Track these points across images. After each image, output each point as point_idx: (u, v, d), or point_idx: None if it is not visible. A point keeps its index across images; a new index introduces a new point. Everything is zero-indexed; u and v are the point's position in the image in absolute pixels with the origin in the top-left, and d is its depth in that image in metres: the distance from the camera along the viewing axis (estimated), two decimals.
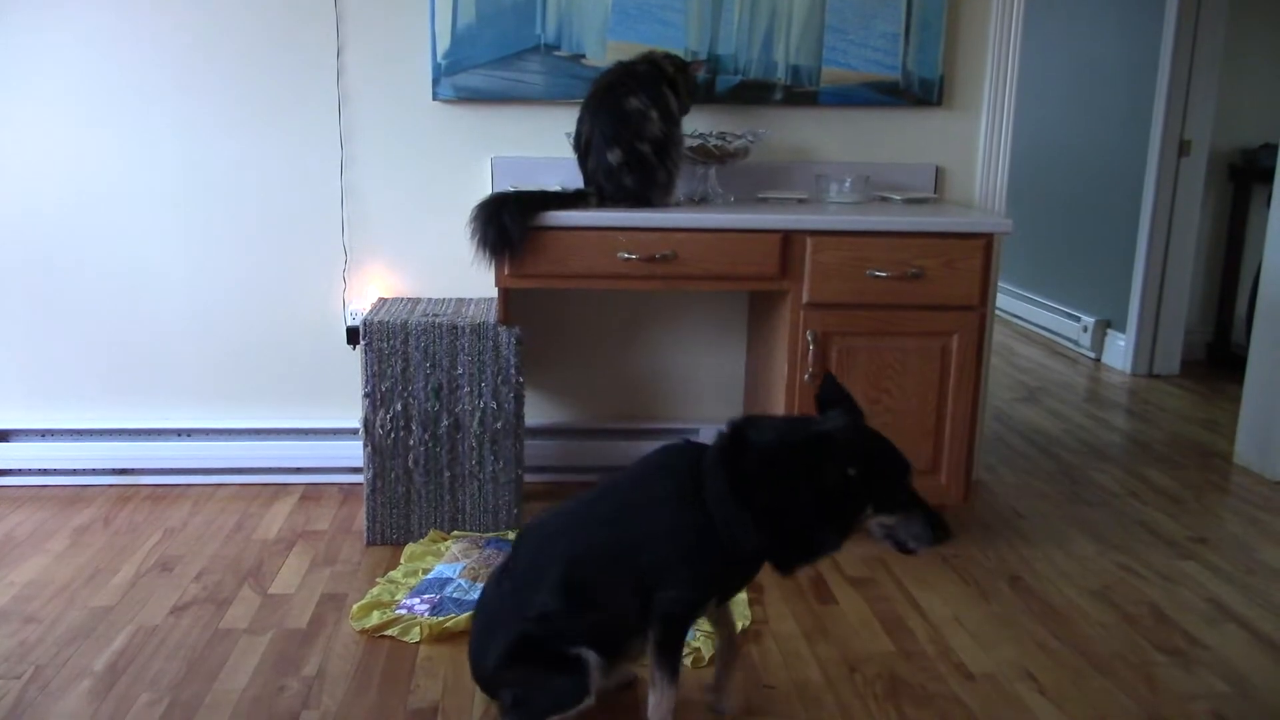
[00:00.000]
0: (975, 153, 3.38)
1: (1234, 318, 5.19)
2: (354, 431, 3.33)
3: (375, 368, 2.89)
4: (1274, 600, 2.77)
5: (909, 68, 3.28)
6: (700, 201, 3.14)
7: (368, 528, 2.98)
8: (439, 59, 3.19)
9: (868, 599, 2.71)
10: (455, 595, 2.60)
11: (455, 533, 2.99)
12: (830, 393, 2.01)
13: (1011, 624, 2.60)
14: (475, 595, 2.49)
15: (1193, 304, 5.20)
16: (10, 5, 3.13)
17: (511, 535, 2.94)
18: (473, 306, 3.13)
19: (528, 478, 3.13)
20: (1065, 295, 5.80)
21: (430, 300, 3.25)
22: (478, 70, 3.20)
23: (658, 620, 1.95)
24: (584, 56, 3.20)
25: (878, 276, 2.85)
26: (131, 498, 3.29)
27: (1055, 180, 5.90)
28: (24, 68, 3.17)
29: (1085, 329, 5.45)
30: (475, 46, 3.18)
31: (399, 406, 2.91)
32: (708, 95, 3.22)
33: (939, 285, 2.86)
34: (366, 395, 2.91)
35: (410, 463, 2.95)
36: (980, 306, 2.90)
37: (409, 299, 3.26)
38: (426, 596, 2.61)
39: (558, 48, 3.20)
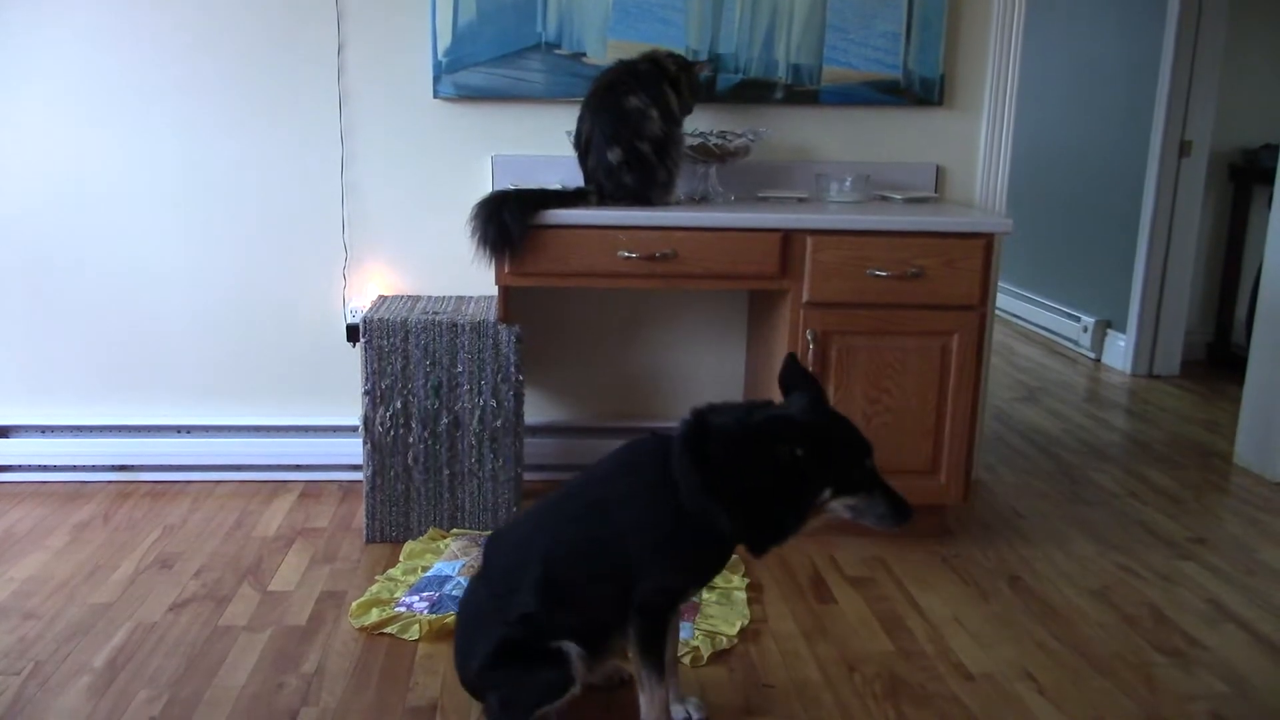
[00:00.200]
0: (976, 152, 3.38)
1: (1234, 318, 5.19)
2: (354, 429, 3.33)
3: (375, 365, 2.89)
4: (1273, 601, 2.77)
5: (910, 67, 3.28)
6: (701, 200, 3.14)
7: (367, 525, 2.98)
8: (440, 57, 3.19)
9: (867, 599, 2.71)
10: (454, 593, 2.60)
11: (455, 530, 2.99)
12: (791, 375, 2.00)
13: (1011, 624, 2.60)
14: None
15: (1193, 304, 5.20)
16: (10, 3, 3.13)
17: None
18: (473, 304, 3.13)
19: (527, 476, 3.12)
20: (1065, 295, 5.80)
21: (430, 298, 3.25)
22: (478, 68, 3.20)
23: (636, 613, 1.95)
24: (584, 55, 3.20)
25: (878, 276, 2.84)
26: (131, 494, 3.29)
27: (1056, 180, 5.90)
28: (25, 66, 3.17)
29: (1085, 329, 5.44)
30: (476, 44, 3.18)
31: (399, 404, 2.91)
32: (708, 94, 3.21)
33: (939, 285, 2.86)
34: (366, 393, 2.91)
35: (410, 460, 2.95)
36: (980, 306, 2.90)
37: (409, 297, 3.26)
38: (426, 594, 2.61)
39: (558, 46, 3.20)
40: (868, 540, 3.04)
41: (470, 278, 3.23)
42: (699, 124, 3.15)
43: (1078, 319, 5.55)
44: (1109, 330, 5.33)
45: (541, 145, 3.27)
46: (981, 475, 3.61)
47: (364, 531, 3.00)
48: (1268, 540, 3.16)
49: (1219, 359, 5.24)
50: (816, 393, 1.96)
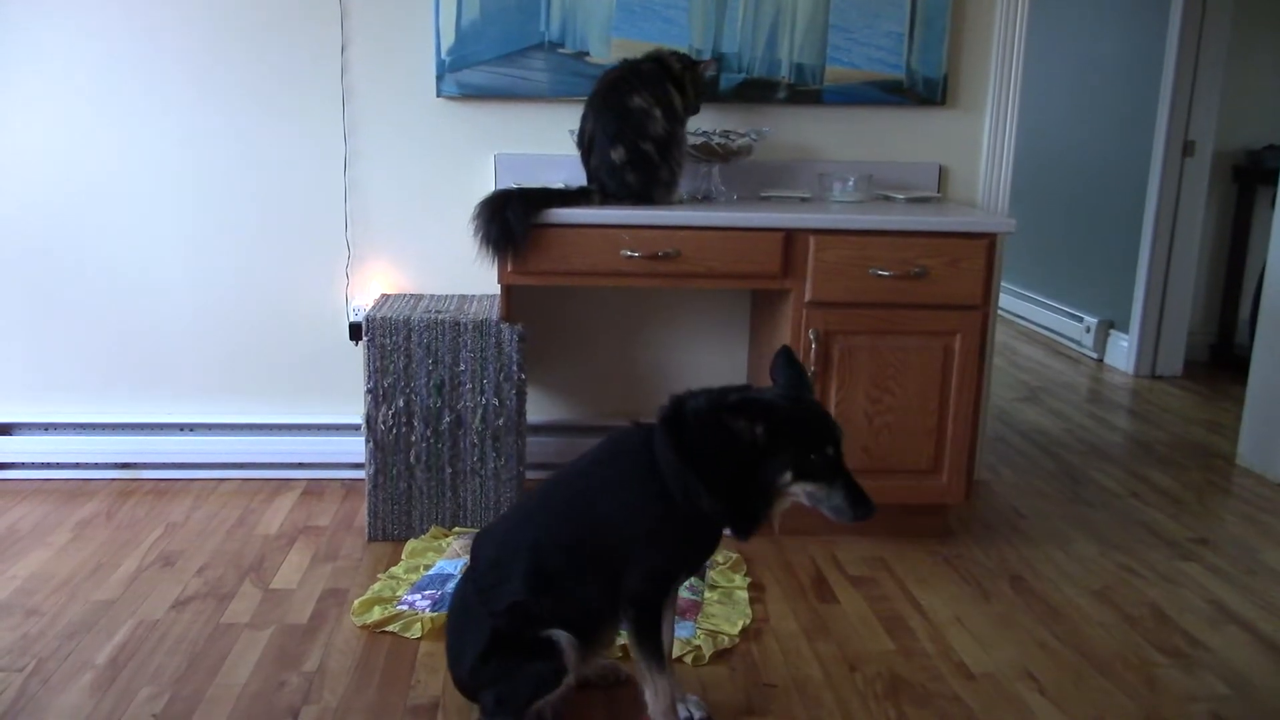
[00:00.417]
0: (979, 152, 3.38)
1: (1237, 319, 5.18)
2: (356, 427, 3.34)
3: (378, 364, 2.89)
4: (1275, 602, 2.76)
5: (913, 67, 3.27)
6: (703, 200, 3.14)
7: (369, 523, 2.98)
8: (443, 56, 3.19)
9: (868, 598, 2.72)
10: (455, 587, 2.60)
11: (457, 529, 3.00)
12: (779, 364, 2.01)
13: (1012, 624, 2.60)
14: None
15: (1196, 305, 5.19)
16: (12, 1, 3.13)
17: None
18: (475, 303, 3.13)
19: (529, 474, 3.12)
20: (1068, 295, 5.80)
21: (433, 297, 3.25)
22: (481, 67, 3.20)
23: (629, 603, 1.96)
24: (588, 54, 3.20)
25: (880, 275, 2.84)
26: (134, 492, 3.30)
27: (1058, 180, 5.89)
28: (28, 64, 3.17)
29: (1088, 329, 5.44)
30: (479, 43, 3.18)
31: (401, 402, 2.91)
32: (711, 93, 3.21)
33: (942, 284, 2.86)
34: (369, 391, 2.91)
35: (412, 459, 2.95)
36: (983, 306, 2.90)
37: (412, 295, 3.26)
38: (428, 592, 2.61)
39: (562, 45, 3.20)
40: (869, 540, 3.04)
41: (473, 276, 3.23)
42: (702, 123, 3.15)
43: (1080, 319, 5.55)
44: (1111, 330, 5.33)
45: (544, 144, 3.27)
46: (983, 475, 3.61)
47: (366, 530, 3.00)
48: (1270, 541, 3.16)
49: (1222, 360, 5.24)
50: (797, 380, 1.97)
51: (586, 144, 2.93)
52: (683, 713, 2.13)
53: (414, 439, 2.94)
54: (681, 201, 3.02)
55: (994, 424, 4.18)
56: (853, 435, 2.92)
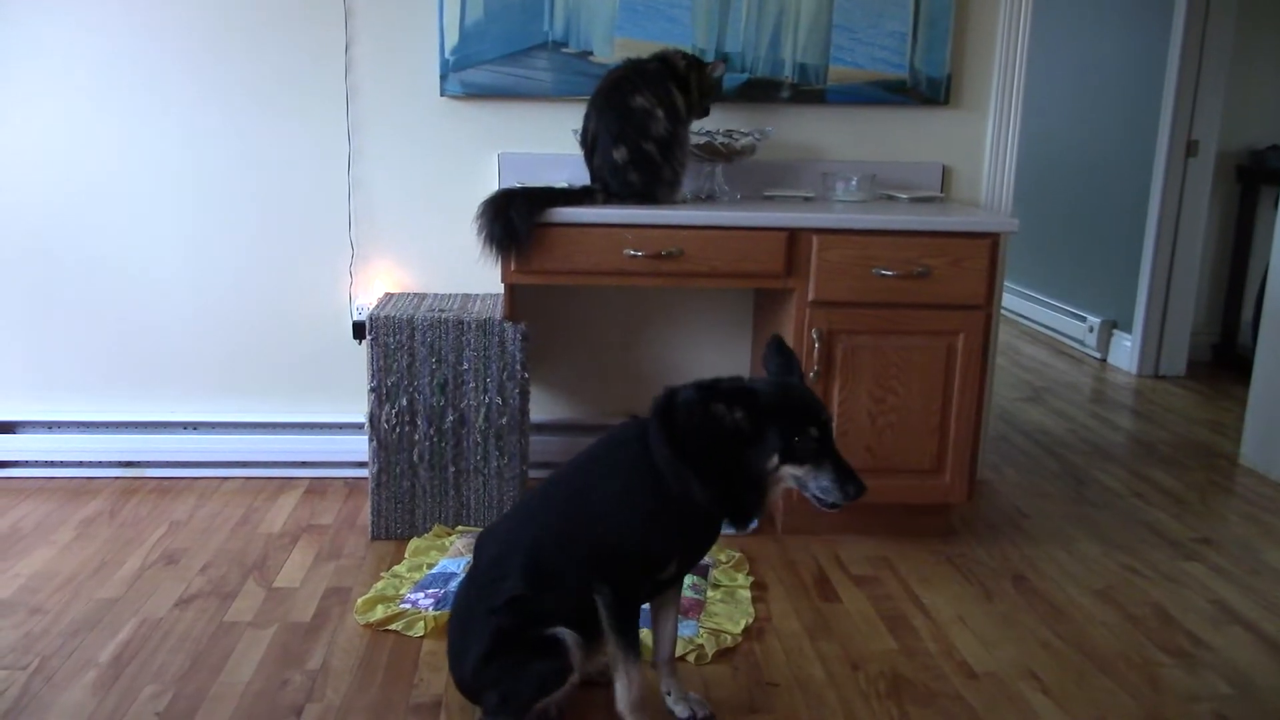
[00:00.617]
0: (982, 152, 3.38)
1: (1240, 319, 5.18)
2: (359, 426, 3.34)
3: (381, 363, 2.90)
4: (1278, 602, 2.76)
5: (916, 66, 3.27)
6: (707, 199, 3.14)
7: (372, 522, 2.99)
8: (447, 55, 3.19)
9: (871, 597, 2.72)
10: (457, 588, 2.60)
11: (459, 528, 3.00)
12: (771, 352, 2.03)
13: (1015, 623, 2.60)
14: None
15: (1199, 305, 5.19)
16: None
17: None
18: (479, 302, 3.13)
19: (532, 473, 3.13)
20: (1071, 295, 5.80)
21: (436, 295, 3.25)
22: (485, 66, 3.20)
23: (605, 583, 1.95)
24: (591, 53, 3.21)
25: (883, 275, 2.84)
26: (137, 490, 3.30)
27: (1062, 180, 5.89)
28: (32, 62, 3.18)
29: (1091, 329, 5.44)
30: (483, 43, 3.19)
31: (404, 401, 2.91)
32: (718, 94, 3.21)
33: (945, 284, 2.86)
34: (372, 390, 2.91)
35: (415, 458, 2.95)
36: (986, 306, 2.90)
37: (415, 294, 3.27)
38: (430, 591, 2.61)
39: (565, 44, 3.20)
40: (872, 539, 3.04)
41: (476, 275, 3.23)
42: (705, 123, 3.14)
43: (1083, 319, 5.55)
44: (1115, 330, 5.32)
45: (548, 143, 3.27)
46: (986, 475, 3.61)
47: (369, 528, 3.00)
48: (1273, 541, 3.16)
49: (1225, 360, 5.23)
50: (786, 366, 1.98)
51: (589, 143, 2.94)
52: (684, 711, 2.13)
53: (417, 438, 2.94)
54: (685, 201, 3.02)
55: (997, 424, 4.18)
56: (855, 435, 2.93)
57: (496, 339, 2.90)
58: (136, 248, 3.32)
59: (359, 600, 2.58)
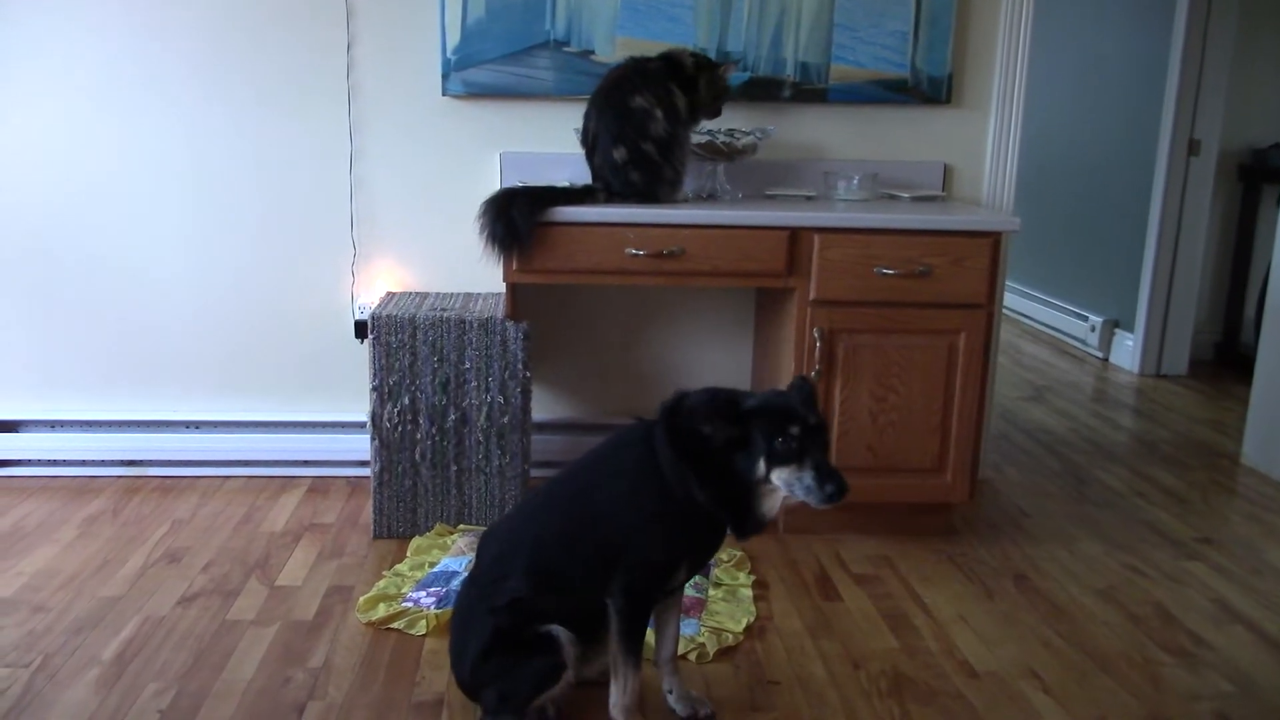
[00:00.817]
0: (983, 151, 3.38)
1: (1243, 318, 5.17)
2: (361, 425, 3.34)
3: (383, 361, 2.90)
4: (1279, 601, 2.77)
5: (918, 65, 3.27)
6: (708, 198, 3.14)
7: (374, 521, 2.99)
8: (449, 54, 3.19)
9: (872, 596, 2.72)
10: (459, 587, 2.60)
11: (461, 526, 3.00)
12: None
13: (1016, 622, 2.60)
14: None
15: (1201, 304, 5.18)
16: None
17: None
18: (480, 301, 3.13)
19: (534, 472, 3.13)
20: (1073, 294, 5.79)
21: (438, 295, 3.26)
22: (487, 66, 3.21)
23: (621, 591, 1.95)
24: (593, 53, 3.21)
25: (885, 274, 2.85)
26: (140, 489, 3.31)
27: (1064, 179, 5.89)
28: (32, 60, 3.18)
29: (1093, 328, 5.44)
30: (485, 42, 3.19)
31: (406, 400, 2.92)
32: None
33: (946, 283, 2.86)
34: (374, 389, 2.92)
35: (417, 456, 2.96)
36: (987, 305, 2.90)
37: (417, 293, 3.27)
38: (432, 589, 2.62)
39: (567, 44, 3.20)
40: (874, 538, 3.05)
41: (478, 274, 3.24)
42: (707, 122, 3.14)
43: (1085, 318, 5.54)
44: (1117, 330, 5.32)
45: (550, 143, 3.27)
46: (988, 474, 3.61)
47: (371, 527, 3.01)
48: (1275, 540, 3.16)
49: (1227, 359, 5.23)
50: (797, 388, 1.98)
51: (590, 142, 2.94)
52: (686, 709, 2.14)
53: (419, 436, 2.94)
54: (686, 200, 3.03)
55: (999, 423, 4.18)
56: (857, 434, 2.93)
57: (498, 338, 2.90)
58: (138, 247, 3.32)
59: (361, 599, 2.58)
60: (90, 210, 3.29)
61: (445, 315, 2.91)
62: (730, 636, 2.46)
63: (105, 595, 2.61)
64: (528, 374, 2.94)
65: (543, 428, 3.39)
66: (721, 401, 1.89)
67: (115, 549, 2.88)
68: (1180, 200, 4.93)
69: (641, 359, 3.47)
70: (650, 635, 2.18)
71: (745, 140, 3.09)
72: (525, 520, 2.09)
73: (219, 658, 2.34)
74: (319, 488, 3.36)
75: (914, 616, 2.62)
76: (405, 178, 3.31)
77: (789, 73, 3.27)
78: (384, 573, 2.75)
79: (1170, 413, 4.48)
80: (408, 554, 2.86)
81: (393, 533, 3.00)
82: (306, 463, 3.43)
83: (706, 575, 2.73)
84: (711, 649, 2.39)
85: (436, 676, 2.28)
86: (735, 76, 3.21)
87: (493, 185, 3.21)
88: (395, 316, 2.89)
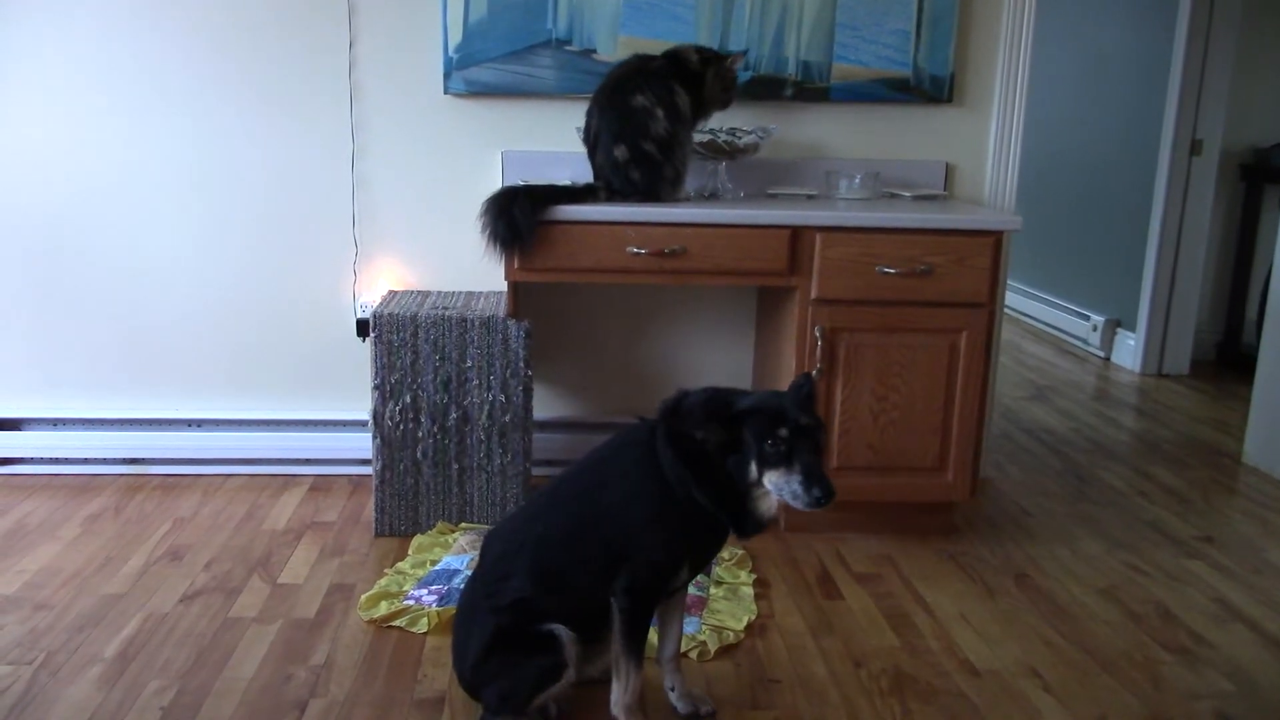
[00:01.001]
0: (985, 150, 3.38)
1: (1244, 318, 5.17)
2: (363, 423, 3.35)
3: (385, 360, 2.90)
4: None
5: (920, 64, 3.28)
6: (710, 197, 3.14)
7: (376, 519, 2.99)
8: (450, 53, 3.20)
9: (874, 595, 2.72)
10: (463, 587, 2.60)
11: (463, 525, 3.01)
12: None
13: (1017, 621, 2.61)
14: None
15: (1203, 304, 5.18)
16: None
17: None
18: (482, 300, 3.14)
19: (535, 471, 3.13)
20: (1075, 294, 5.79)
21: (440, 293, 3.26)
22: (489, 64, 3.21)
23: (624, 592, 1.96)
24: (595, 51, 3.21)
25: (886, 273, 2.85)
26: (142, 487, 3.31)
27: (1066, 178, 5.89)
28: (35, 60, 3.19)
29: (1095, 328, 5.44)
30: (486, 41, 3.19)
31: (408, 399, 2.92)
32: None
33: (948, 282, 2.86)
34: (376, 387, 2.92)
35: (419, 455, 2.96)
36: (989, 304, 2.90)
37: (419, 292, 3.27)
38: (434, 587, 2.62)
39: (569, 42, 3.21)
40: (875, 537, 3.05)
41: (480, 273, 3.24)
42: (709, 120, 3.14)
43: (1087, 318, 5.54)
44: (1118, 329, 5.32)
45: (551, 141, 3.28)
46: (989, 473, 3.61)
47: (373, 525, 3.01)
48: (1276, 540, 3.16)
49: (1229, 358, 5.22)
50: (795, 389, 1.98)
51: (592, 141, 2.94)
52: (687, 707, 2.14)
53: (421, 435, 2.95)
54: (688, 198, 3.03)
55: (1000, 422, 4.18)
56: (858, 433, 2.93)
57: (500, 336, 2.91)
58: (140, 246, 3.32)
59: (363, 596, 2.58)
60: (92, 209, 3.29)
61: (447, 314, 2.92)
62: (731, 635, 2.46)
63: (107, 593, 2.62)
64: (529, 372, 2.94)
65: (544, 426, 3.39)
66: (715, 405, 1.89)
67: (117, 547, 2.88)
68: (1182, 200, 4.92)
69: (643, 358, 3.47)
70: (653, 634, 2.18)
71: (747, 139, 3.09)
72: (529, 520, 2.09)
73: (221, 655, 2.34)
74: (321, 486, 3.36)
75: (915, 615, 2.62)
76: (407, 176, 3.31)
77: (791, 71, 3.27)
78: (386, 571, 2.75)
79: (1172, 412, 4.48)
80: (409, 552, 2.87)
81: (394, 531, 3.00)
82: (308, 461, 3.44)
83: (708, 574, 2.74)
84: (713, 647, 2.40)
85: (438, 674, 2.29)
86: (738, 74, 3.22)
87: (494, 184, 3.22)
88: (397, 315, 2.90)
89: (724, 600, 2.62)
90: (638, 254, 2.83)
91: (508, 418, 2.95)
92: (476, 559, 2.72)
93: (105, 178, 3.27)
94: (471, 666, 2.03)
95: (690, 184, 3.05)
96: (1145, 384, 4.95)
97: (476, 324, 2.90)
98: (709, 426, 1.88)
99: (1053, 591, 2.77)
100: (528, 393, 2.96)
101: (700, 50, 2.99)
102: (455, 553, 2.82)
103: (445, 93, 3.23)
